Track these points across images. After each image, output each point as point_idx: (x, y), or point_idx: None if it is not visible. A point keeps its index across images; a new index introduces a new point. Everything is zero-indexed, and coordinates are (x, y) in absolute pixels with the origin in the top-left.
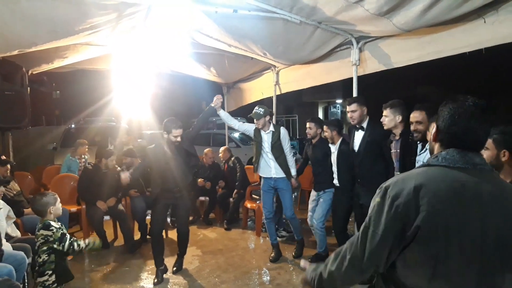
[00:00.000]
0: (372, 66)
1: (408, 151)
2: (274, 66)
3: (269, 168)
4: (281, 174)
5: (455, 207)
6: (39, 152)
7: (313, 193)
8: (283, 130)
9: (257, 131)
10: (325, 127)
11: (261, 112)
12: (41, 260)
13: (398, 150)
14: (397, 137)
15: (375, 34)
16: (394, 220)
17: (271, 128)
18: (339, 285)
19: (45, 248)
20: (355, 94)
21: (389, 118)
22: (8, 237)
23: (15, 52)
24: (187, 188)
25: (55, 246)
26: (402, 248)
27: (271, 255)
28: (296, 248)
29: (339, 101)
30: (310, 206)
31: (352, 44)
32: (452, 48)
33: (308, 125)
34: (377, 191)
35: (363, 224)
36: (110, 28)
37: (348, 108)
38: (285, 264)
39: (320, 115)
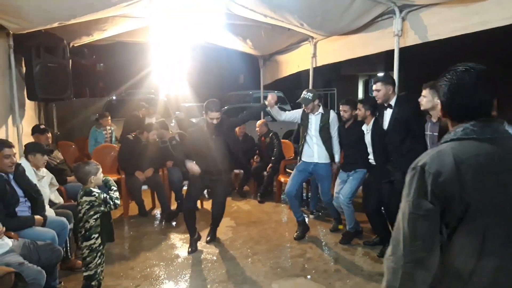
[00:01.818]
0: (415, 37)
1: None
2: (312, 38)
3: (312, 152)
4: (323, 159)
5: (495, 181)
6: (82, 123)
7: (342, 174)
8: (332, 114)
9: (305, 114)
10: (359, 105)
11: (309, 97)
12: (88, 225)
13: (436, 134)
14: (434, 119)
15: (419, 2)
16: (438, 198)
17: (321, 110)
18: None
19: (92, 213)
20: (396, 67)
21: (427, 99)
22: (51, 204)
23: (55, 25)
24: (226, 171)
25: (102, 208)
26: (450, 228)
27: (296, 233)
28: (334, 224)
29: (381, 74)
30: (337, 188)
31: (395, 14)
32: (501, 18)
33: (342, 107)
34: (411, 172)
35: (403, 216)
36: (147, 0)
37: (374, 87)
38: (317, 239)
39: (360, 89)
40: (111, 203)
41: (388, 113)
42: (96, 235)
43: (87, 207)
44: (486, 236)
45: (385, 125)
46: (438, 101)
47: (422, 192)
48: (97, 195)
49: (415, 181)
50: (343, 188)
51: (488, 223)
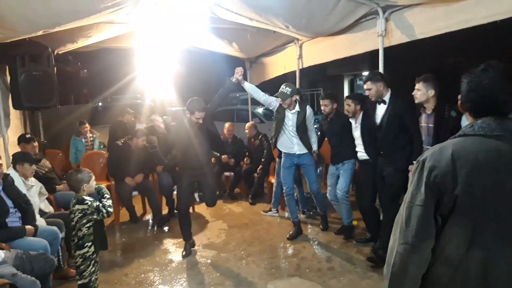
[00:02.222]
0: (399, 36)
1: (443, 126)
2: (297, 39)
3: (292, 144)
4: (304, 150)
5: (493, 177)
6: (69, 130)
7: (332, 168)
8: (309, 110)
9: (281, 108)
10: (348, 101)
11: (287, 92)
12: (81, 233)
13: (431, 125)
14: (428, 111)
15: (402, 3)
16: (432, 189)
17: (297, 108)
18: (409, 284)
19: (84, 221)
20: (381, 66)
21: (421, 92)
22: (42, 213)
23: (40, 33)
24: (209, 166)
25: (95, 216)
26: (442, 219)
27: (290, 232)
28: (322, 221)
29: (365, 73)
30: (329, 181)
31: (378, 14)
32: (482, 17)
33: (322, 102)
34: (415, 164)
35: (404, 203)
36: (132, 5)
37: (365, 86)
38: (309, 238)
39: (346, 88)
40: (104, 211)
41: (381, 108)
42: (89, 244)
43: (80, 215)
44: (476, 228)
45: (378, 119)
46: (432, 93)
47: (419, 184)
48: (89, 203)
49: (416, 174)
50: (339, 183)
51: (478, 216)
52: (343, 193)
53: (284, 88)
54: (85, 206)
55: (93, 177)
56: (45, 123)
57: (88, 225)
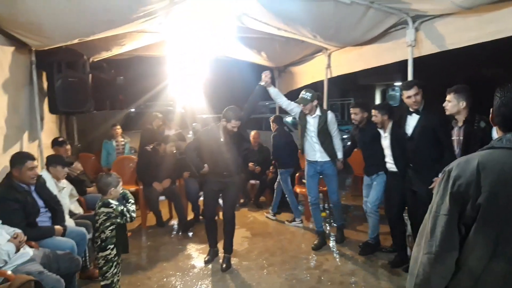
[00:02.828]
0: (428, 47)
1: (472, 139)
2: (326, 49)
3: (314, 152)
4: (326, 157)
5: None
6: (103, 135)
7: (366, 179)
8: (330, 115)
9: (303, 113)
10: (374, 111)
11: (308, 97)
12: (104, 236)
13: (461, 138)
14: (459, 124)
15: (432, 13)
16: (456, 198)
17: (318, 112)
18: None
19: (108, 224)
20: (409, 76)
21: (452, 104)
22: (71, 214)
23: (76, 41)
24: (237, 173)
25: (118, 220)
26: (465, 229)
27: (314, 242)
28: (337, 234)
29: (397, 83)
30: (364, 192)
31: (408, 24)
32: None
33: (352, 110)
34: (441, 174)
35: (429, 212)
36: (163, 15)
37: (408, 93)
38: (333, 250)
39: (378, 98)
40: (128, 215)
41: (413, 120)
42: (112, 246)
43: (104, 218)
44: (500, 239)
45: (409, 130)
46: (463, 105)
47: (444, 194)
48: (114, 207)
49: (442, 184)
50: (370, 196)
51: (502, 227)
52: (373, 206)
53: (304, 94)
54: (110, 210)
55: (121, 183)
56: (80, 128)
57: (111, 228)
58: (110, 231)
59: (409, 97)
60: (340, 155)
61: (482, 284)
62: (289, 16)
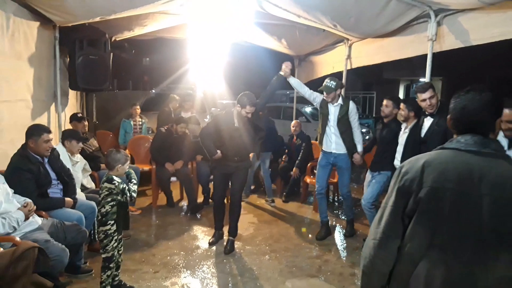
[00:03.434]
0: (451, 42)
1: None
2: (347, 39)
3: (330, 142)
4: (341, 150)
5: (458, 186)
6: (123, 114)
7: (368, 174)
8: (352, 105)
9: (324, 102)
10: (402, 105)
11: (332, 86)
12: (104, 210)
13: None
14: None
15: (455, 7)
16: (402, 192)
17: (340, 101)
18: (375, 276)
19: (109, 199)
20: (428, 72)
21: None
22: (83, 188)
23: (97, 19)
24: (247, 159)
25: (119, 197)
26: (408, 220)
27: (319, 232)
28: (347, 227)
29: (422, 79)
30: (365, 188)
31: (430, 17)
32: None
33: (385, 102)
34: (396, 172)
35: (383, 202)
36: None
37: (423, 96)
38: (337, 242)
39: (401, 94)
40: (128, 194)
41: (428, 122)
42: (112, 222)
43: (106, 193)
44: (436, 230)
45: (423, 132)
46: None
47: (394, 188)
48: (116, 184)
49: (393, 178)
50: (366, 192)
51: (438, 219)
52: (367, 203)
53: (329, 82)
54: (112, 186)
55: (128, 161)
56: (101, 106)
57: (112, 203)
58: (110, 207)
59: (423, 100)
60: (360, 148)
61: (419, 269)
62: (309, 4)
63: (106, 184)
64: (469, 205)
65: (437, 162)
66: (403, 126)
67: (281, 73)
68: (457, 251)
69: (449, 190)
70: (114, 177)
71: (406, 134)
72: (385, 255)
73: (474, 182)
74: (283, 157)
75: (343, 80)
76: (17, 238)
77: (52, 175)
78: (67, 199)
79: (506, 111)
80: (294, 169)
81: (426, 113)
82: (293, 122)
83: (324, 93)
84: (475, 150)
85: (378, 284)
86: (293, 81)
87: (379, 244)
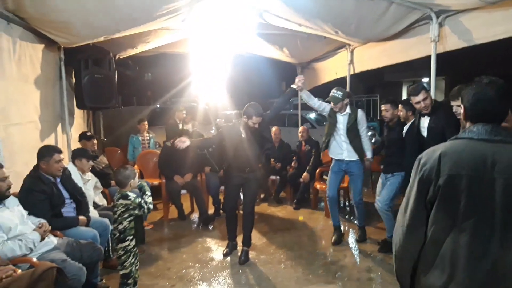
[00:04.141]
0: (453, 42)
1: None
2: (349, 45)
3: (341, 150)
4: (353, 157)
5: (472, 172)
6: (130, 130)
7: (382, 176)
8: (360, 113)
9: (333, 112)
10: (400, 107)
11: (339, 96)
12: (122, 227)
13: None
14: None
15: (456, 8)
16: (423, 182)
17: (348, 110)
18: (407, 258)
19: (126, 215)
20: (433, 72)
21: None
22: (96, 205)
23: (102, 39)
24: (257, 170)
25: (136, 212)
26: (431, 206)
27: (333, 237)
28: (359, 233)
29: (425, 80)
30: (377, 190)
31: (431, 19)
32: None
33: (383, 107)
34: (415, 163)
35: (406, 191)
36: (186, 12)
37: (416, 98)
38: (351, 247)
39: (404, 95)
40: (146, 207)
41: (425, 121)
42: (131, 237)
43: (123, 209)
44: (456, 214)
45: (424, 132)
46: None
47: (415, 178)
48: (132, 199)
49: (414, 170)
50: (381, 194)
51: (457, 205)
52: (383, 205)
53: (336, 92)
54: (128, 202)
55: (137, 174)
56: (107, 123)
57: (129, 219)
58: (128, 222)
59: (417, 102)
60: (369, 154)
61: (444, 249)
62: (310, 12)
63: (121, 201)
64: (483, 188)
65: (452, 151)
66: (405, 126)
67: (294, 86)
68: (476, 232)
69: (464, 176)
70: (128, 193)
71: (403, 133)
72: (413, 240)
73: (487, 167)
74: (292, 163)
75: (347, 85)
76: (34, 259)
77: (65, 194)
78: (81, 217)
79: None
80: (304, 174)
81: (422, 113)
82: (300, 128)
83: (332, 103)
84: (487, 138)
85: (409, 266)
86: (305, 95)
87: (407, 230)
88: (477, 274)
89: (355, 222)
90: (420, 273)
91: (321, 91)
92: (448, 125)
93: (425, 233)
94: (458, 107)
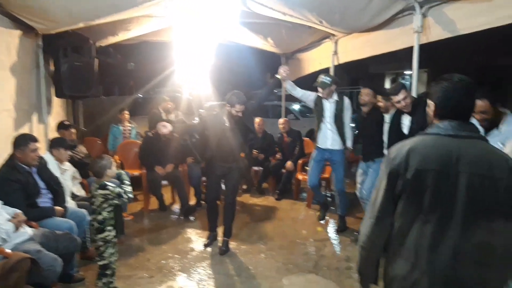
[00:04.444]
0: (437, 33)
1: None
2: (333, 35)
3: (326, 139)
4: (337, 146)
5: (438, 167)
6: (111, 120)
7: (362, 165)
8: (347, 101)
9: (319, 99)
10: (379, 97)
11: (327, 81)
12: (101, 217)
13: None
14: None
15: None
16: (392, 176)
17: (335, 97)
18: (373, 250)
19: (106, 205)
20: (415, 64)
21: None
22: (73, 196)
23: (81, 25)
24: (240, 160)
25: (116, 201)
26: (398, 199)
27: (317, 213)
28: (339, 223)
29: (408, 72)
30: (359, 179)
31: (415, 10)
32: None
33: (363, 91)
34: (385, 158)
35: (375, 184)
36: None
37: (396, 98)
38: (331, 237)
39: (387, 87)
40: (125, 196)
41: (407, 119)
42: (110, 228)
43: (102, 200)
44: (422, 207)
45: (405, 129)
46: None
47: (384, 172)
48: (111, 188)
49: (383, 164)
50: (366, 183)
51: (423, 198)
52: (368, 193)
53: (324, 78)
54: (107, 192)
55: (114, 163)
56: (88, 112)
57: (109, 209)
58: (107, 213)
59: (398, 102)
60: (349, 143)
61: (409, 240)
62: (294, 1)
63: (100, 191)
64: (448, 182)
65: (420, 147)
66: (386, 116)
67: (278, 76)
68: (439, 223)
69: (431, 171)
70: (107, 182)
71: (388, 125)
72: (380, 231)
73: (453, 162)
74: (276, 155)
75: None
76: (8, 250)
77: (41, 184)
78: (57, 208)
79: (479, 102)
80: (289, 162)
81: (404, 111)
82: (281, 120)
83: (320, 89)
84: (454, 134)
85: (375, 256)
86: (288, 85)
87: (376, 222)
88: (438, 261)
89: (337, 212)
90: (387, 265)
91: (305, 82)
92: (426, 125)
93: (392, 225)
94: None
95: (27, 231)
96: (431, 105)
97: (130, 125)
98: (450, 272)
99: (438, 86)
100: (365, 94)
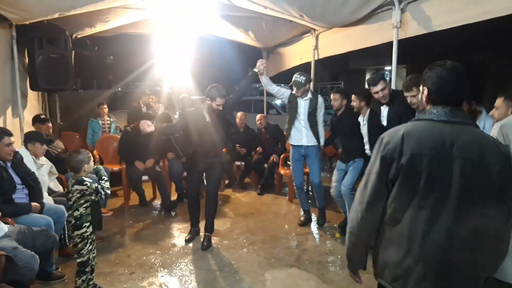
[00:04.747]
0: (415, 28)
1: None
2: (314, 30)
3: (300, 136)
4: (312, 142)
5: (432, 152)
6: (89, 114)
7: (340, 164)
8: (320, 99)
9: (293, 97)
10: (353, 97)
11: (302, 81)
12: (78, 213)
13: None
14: None
15: None
16: (385, 160)
17: (309, 95)
18: (363, 235)
19: (82, 201)
20: (394, 59)
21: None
22: (51, 191)
23: (56, 16)
24: (222, 154)
25: (93, 197)
26: (392, 185)
27: (301, 219)
28: (319, 216)
29: (388, 68)
30: (334, 177)
31: (394, 5)
32: (504, 8)
33: (332, 96)
34: (377, 142)
35: (366, 171)
36: None
37: (375, 88)
38: (313, 231)
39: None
40: (103, 192)
41: (385, 110)
42: (87, 224)
43: (78, 195)
44: (416, 192)
45: (384, 121)
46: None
47: (377, 156)
48: (89, 184)
49: (376, 148)
50: (345, 179)
51: (417, 183)
52: (347, 189)
53: (299, 77)
54: (84, 187)
55: (92, 158)
56: (65, 106)
57: (85, 205)
58: (84, 209)
59: (376, 92)
60: (322, 141)
61: (402, 226)
62: None
63: (76, 187)
64: (442, 167)
65: (414, 132)
66: (361, 118)
67: (255, 70)
68: (434, 209)
69: (425, 156)
70: (84, 178)
71: (366, 126)
72: (372, 216)
73: (446, 148)
74: (257, 149)
75: (312, 71)
76: None
77: (17, 179)
78: (34, 204)
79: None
80: (273, 155)
81: (381, 102)
82: (258, 116)
83: (295, 88)
84: (446, 119)
85: (364, 242)
86: (264, 79)
87: (367, 207)
88: (431, 246)
89: (316, 205)
90: (378, 251)
91: (286, 76)
92: (404, 114)
93: (384, 210)
94: (413, 98)
95: (3, 227)
96: (424, 91)
97: (109, 119)
98: (443, 257)
99: (432, 71)
100: (334, 100)
